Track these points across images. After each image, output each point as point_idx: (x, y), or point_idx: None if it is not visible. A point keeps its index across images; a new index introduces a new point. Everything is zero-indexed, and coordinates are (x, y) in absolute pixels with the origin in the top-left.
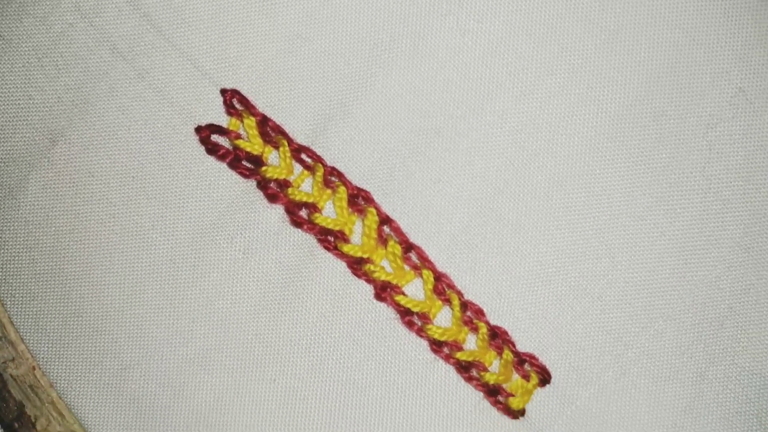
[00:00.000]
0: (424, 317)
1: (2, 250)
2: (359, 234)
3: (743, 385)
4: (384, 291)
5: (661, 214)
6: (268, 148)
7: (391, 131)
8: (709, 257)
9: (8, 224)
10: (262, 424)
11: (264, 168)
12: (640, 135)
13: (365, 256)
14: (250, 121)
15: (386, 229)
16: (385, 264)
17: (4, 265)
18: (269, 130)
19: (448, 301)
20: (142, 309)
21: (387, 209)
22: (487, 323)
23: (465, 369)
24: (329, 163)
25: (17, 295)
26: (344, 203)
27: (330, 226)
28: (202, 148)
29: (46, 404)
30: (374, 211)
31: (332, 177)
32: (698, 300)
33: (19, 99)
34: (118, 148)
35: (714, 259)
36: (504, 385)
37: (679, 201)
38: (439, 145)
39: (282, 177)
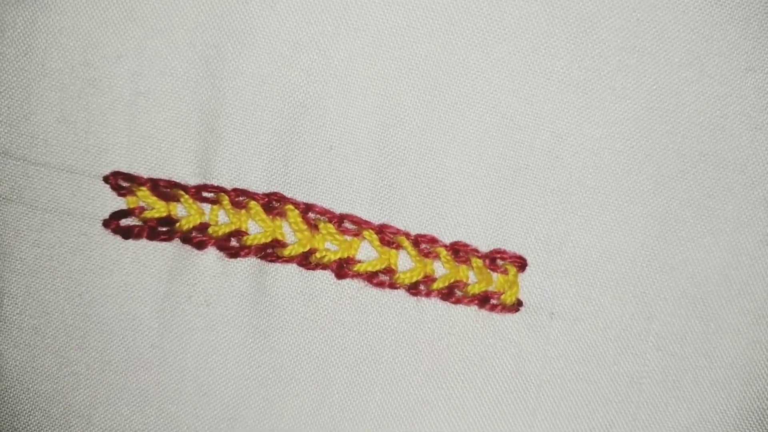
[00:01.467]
0: (388, 271)
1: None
2: (292, 232)
3: (702, 171)
4: (341, 269)
5: (537, 59)
6: (173, 204)
7: (265, 127)
8: (615, 82)
9: None
10: None
11: (178, 224)
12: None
13: (307, 248)
14: (143, 191)
15: (312, 214)
16: (329, 245)
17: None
18: (163, 189)
19: (399, 246)
20: (152, 401)
21: (301, 197)
22: (444, 245)
23: (448, 294)
24: (229, 186)
25: None
26: (262, 215)
27: (262, 241)
28: (119, 237)
29: None
30: (291, 206)
31: (240, 197)
32: (617, 119)
33: None
34: (54, 277)
35: (609, 78)
36: (489, 289)
37: (551, 43)
38: (311, 116)
39: (197, 222)
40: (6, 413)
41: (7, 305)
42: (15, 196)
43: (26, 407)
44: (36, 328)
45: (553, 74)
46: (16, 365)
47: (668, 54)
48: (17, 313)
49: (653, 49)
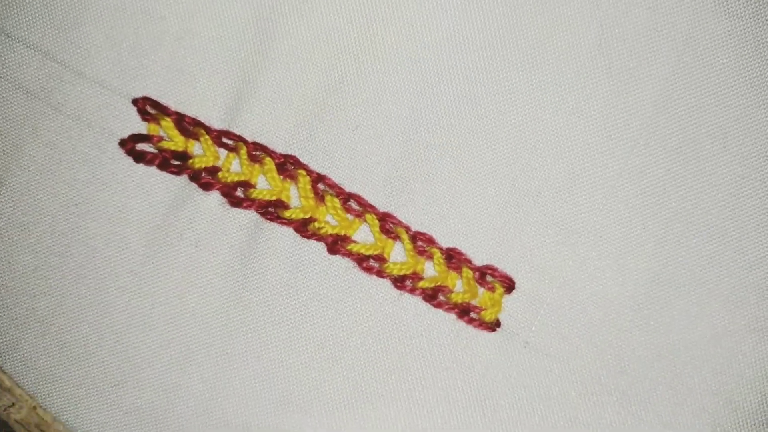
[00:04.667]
0: (380, 258)
1: None
2: (297, 197)
3: (703, 239)
4: (335, 244)
5: (574, 98)
6: (191, 142)
7: (300, 92)
8: (631, 127)
9: None
10: (256, 400)
11: (191, 161)
12: (531, 26)
13: (308, 216)
14: (167, 122)
15: (321, 186)
16: (330, 219)
17: None
18: (187, 125)
19: (397, 237)
20: (118, 324)
21: (316, 167)
22: (440, 248)
23: (431, 296)
24: (250, 139)
25: (1, 344)
26: (274, 173)
27: (267, 198)
28: (131, 159)
29: None
30: (304, 172)
31: (257, 152)
32: (634, 170)
33: None
34: (56, 181)
35: (637, 128)
36: (473, 302)
37: (586, 81)
38: (346, 92)
39: (210, 164)
40: None
41: (3, 196)
42: (43, 96)
43: None
44: (24, 225)
45: (586, 114)
46: None
47: (696, 127)
48: (10, 205)
49: (684, 116)
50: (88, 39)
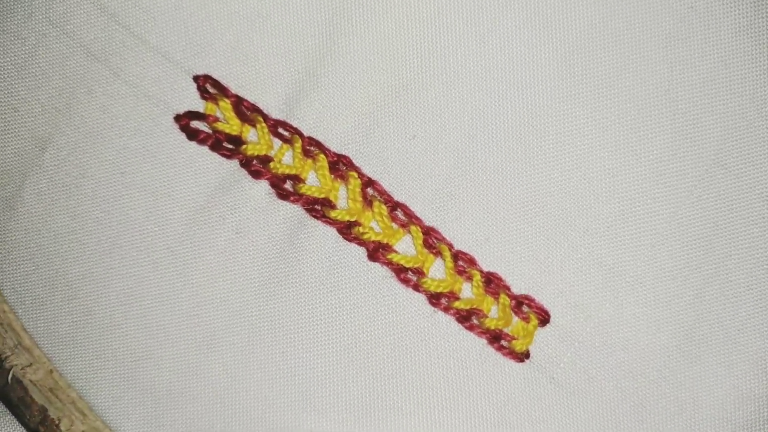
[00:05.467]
0: (419, 272)
1: (7, 261)
2: (345, 199)
3: (741, 302)
4: (376, 251)
5: (635, 140)
6: (246, 127)
7: (362, 94)
8: (687, 177)
9: (9, 234)
10: (275, 396)
11: (244, 146)
12: (602, 63)
13: (353, 219)
14: (225, 104)
15: (370, 190)
16: (374, 225)
17: (12, 275)
18: (245, 110)
19: (439, 253)
20: (146, 299)
21: (368, 171)
22: (480, 270)
23: (465, 318)
24: (306, 133)
25: (27, 302)
26: (326, 171)
27: (315, 195)
28: (184, 136)
29: (68, 405)
30: (356, 174)
31: (311, 147)
32: (683, 221)
33: (5, 112)
34: (104, 147)
35: (693, 179)
36: (505, 330)
37: (649, 125)
38: (409, 101)
39: (263, 153)
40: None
41: (49, 154)
42: (103, 58)
43: (24, 256)
44: (66, 186)
45: (645, 157)
46: (31, 214)
47: (750, 187)
48: (54, 165)
49: (740, 174)
50: (156, 7)
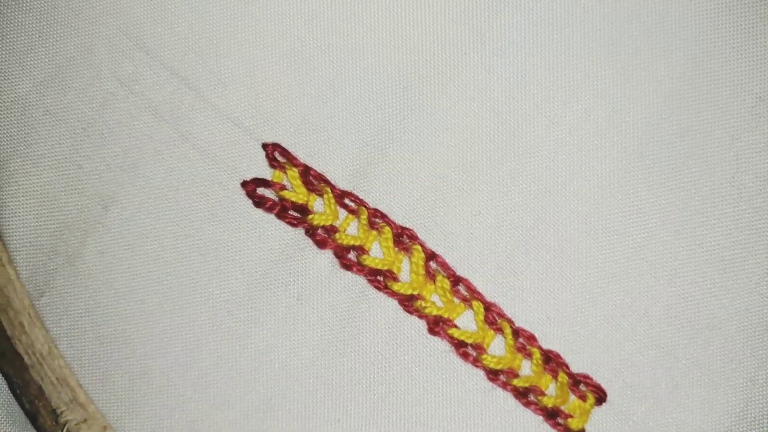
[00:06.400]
0: (478, 347)
1: (65, 316)
2: (407, 271)
3: None
4: (437, 325)
5: (697, 227)
6: (313, 196)
7: (429, 168)
8: (747, 265)
9: (69, 290)
10: None
11: (311, 216)
12: (668, 152)
13: (415, 292)
14: (293, 172)
15: (433, 264)
16: (435, 298)
17: (69, 330)
18: (312, 179)
19: (499, 329)
20: (205, 362)
21: (431, 245)
22: (540, 348)
23: (523, 394)
24: (372, 205)
25: (83, 358)
26: (390, 243)
27: (379, 266)
28: (250, 202)
29: None
30: (420, 248)
31: (376, 219)
32: (741, 307)
33: (69, 169)
34: (169, 208)
35: (752, 266)
36: (562, 407)
37: (713, 212)
38: (475, 177)
39: (328, 223)
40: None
41: (113, 212)
42: (172, 121)
43: (82, 312)
44: (128, 245)
45: (707, 245)
46: (92, 271)
47: None
48: (118, 224)
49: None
50: (228, 72)
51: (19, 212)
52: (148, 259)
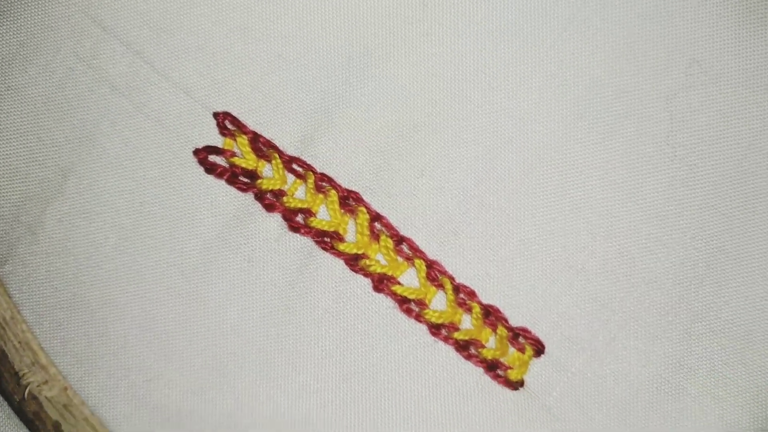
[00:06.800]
0: (421, 303)
1: (27, 283)
2: (353, 232)
3: (728, 337)
4: (381, 283)
5: (634, 184)
6: (262, 162)
7: (373, 133)
8: (682, 220)
9: (30, 258)
10: (280, 419)
11: (259, 181)
12: (606, 113)
13: (360, 252)
14: (243, 140)
15: (377, 225)
16: (380, 257)
17: (31, 297)
18: (261, 146)
19: (441, 286)
20: (161, 323)
21: (376, 206)
22: (480, 303)
23: (464, 348)
24: (319, 169)
25: (45, 323)
26: (336, 206)
27: (325, 228)
28: (202, 169)
29: (80, 421)
30: (364, 209)
31: (323, 182)
32: (676, 261)
33: (30, 141)
34: (125, 177)
35: (687, 222)
36: (501, 359)
37: (649, 170)
38: (418, 141)
39: (277, 187)
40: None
41: (70, 184)
42: (127, 93)
43: (43, 279)
44: (86, 213)
45: (643, 200)
46: (52, 239)
47: (741, 232)
48: (76, 193)
49: (731, 219)
50: (181, 46)
51: None
52: (106, 226)
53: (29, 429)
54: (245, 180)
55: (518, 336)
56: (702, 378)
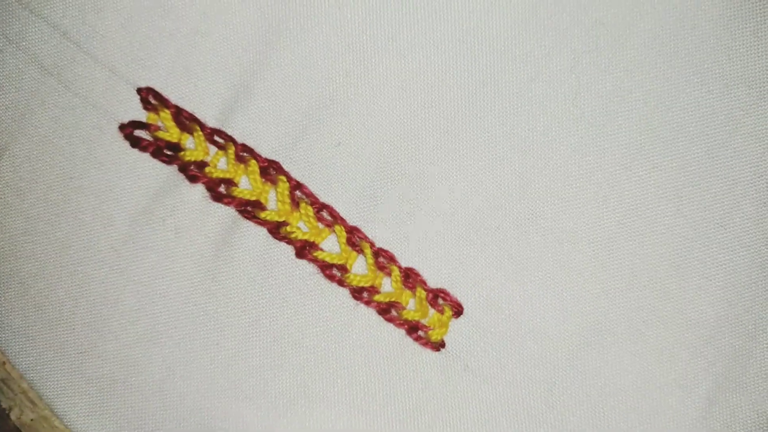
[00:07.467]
0: (342, 268)
1: None
2: (275, 201)
3: (645, 295)
4: (303, 249)
5: (542, 145)
6: (185, 135)
7: (292, 105)
8: (593, 178)
9: None
10: (209, 385)
11: (182, 153)
12: (513, 77)
13: (282, 220)
14: (166, 114)
15: (298, 193)
16: (301, 225)
17: None
18: (184, 119)
19: (361, 251)
20: (92, 296)
21: (296, 175)
22: (399, 266)
23: (385, 310)
24: (240, 140)
25: None
26: (257, 175)
27: (247, 197)
28: (127, 144)
29: (19, 395)
30: (284, 178)
31: (244, 153)
32: (590, 220)
33: None
34: (55, 154)
35: (598, 179)
36: (422, 321)
37: (556, 131)
38: (335, 111)
39: (199, 159)
40: None
41: (4, 161)
42: (55, 72)
43: None
44: (20, 190)
45: (552, 159)
46: None
47: (654, 187)
48: (10, 171)
49: (644, 175)
50: (105, 25)
51: None
52: (38, 203)
53: None
54: (169, 153)
55: (437, 298)
56: (620, 336)
